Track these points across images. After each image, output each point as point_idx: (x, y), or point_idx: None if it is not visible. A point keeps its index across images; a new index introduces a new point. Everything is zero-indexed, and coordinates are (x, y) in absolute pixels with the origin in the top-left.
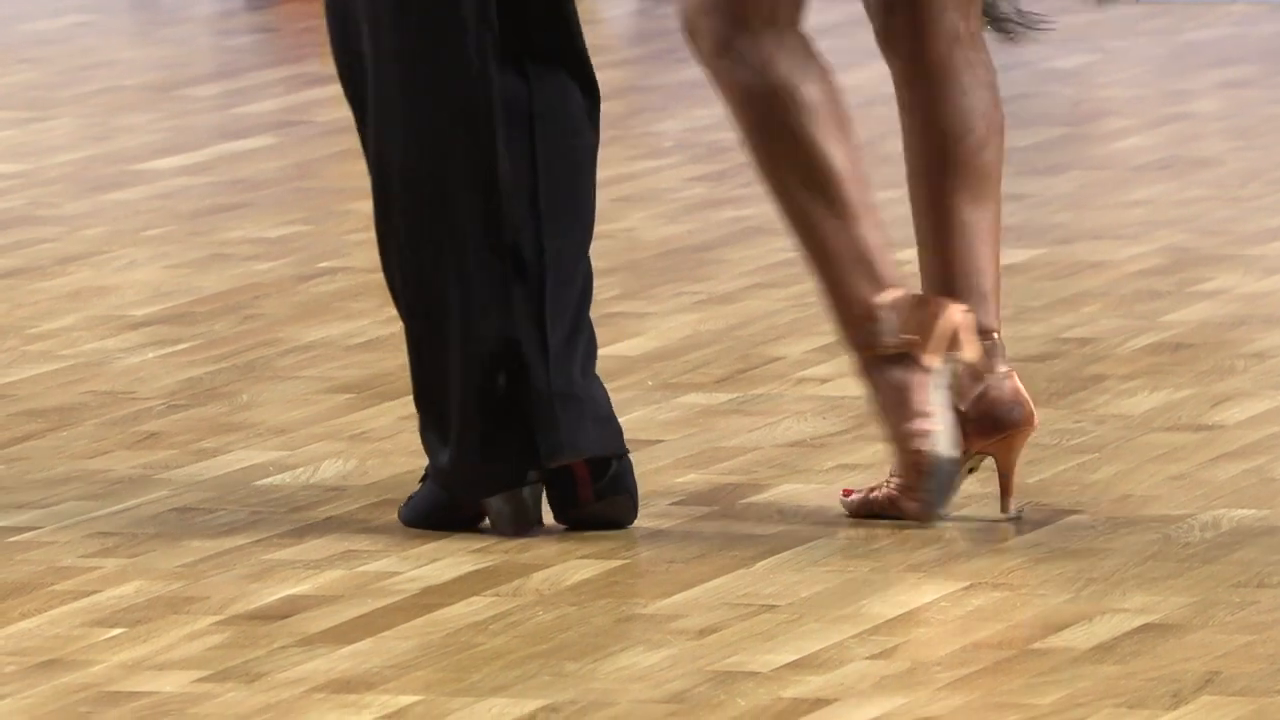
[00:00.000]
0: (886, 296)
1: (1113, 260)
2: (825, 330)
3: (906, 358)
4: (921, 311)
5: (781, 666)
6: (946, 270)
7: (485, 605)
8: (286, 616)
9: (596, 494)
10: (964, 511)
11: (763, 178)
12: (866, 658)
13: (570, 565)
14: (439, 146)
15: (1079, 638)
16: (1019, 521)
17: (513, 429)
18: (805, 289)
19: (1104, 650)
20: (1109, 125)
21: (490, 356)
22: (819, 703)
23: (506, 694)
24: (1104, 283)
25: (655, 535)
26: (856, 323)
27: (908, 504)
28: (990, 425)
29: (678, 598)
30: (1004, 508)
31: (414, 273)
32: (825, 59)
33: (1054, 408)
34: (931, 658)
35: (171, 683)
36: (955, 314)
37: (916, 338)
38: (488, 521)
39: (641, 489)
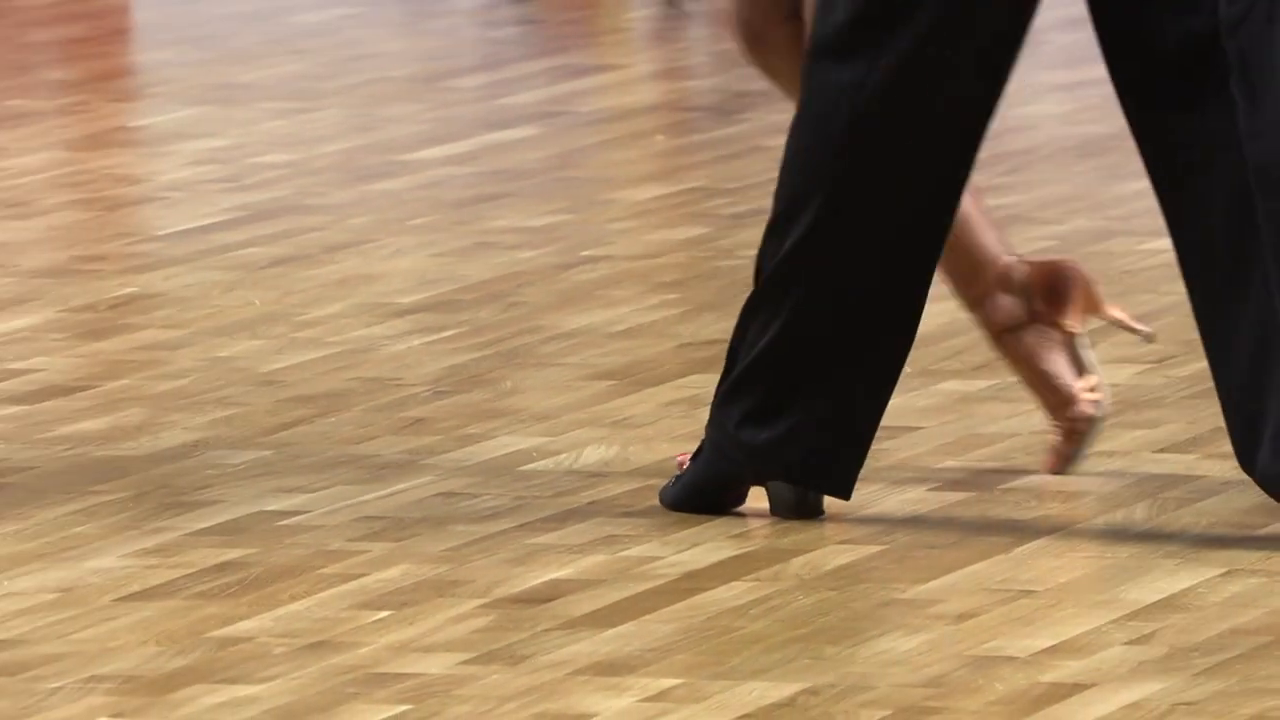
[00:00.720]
0: (1004, 266)
1: None
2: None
3: (1048, 325)
4: (1048, 276)
5: (1039, 651)
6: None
7: (745, 590)
8: (549, 600)
9: None
10: (1221, 497)
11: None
12: (1124, 643)
13: (829, 550)
14: None
15: None
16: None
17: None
18: None
19: None
20: None
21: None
22: (1076, 687)
23: (766, 677)
24: None
25: (914, 521)
26: (980, 299)
27: (1058, 461)
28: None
29: (936, 583)
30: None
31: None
32: None
33: None
34: (1189, 643)
35: (437, 664)
36: (1081, 275)
37: (1050, 309)
38: (760, 505)
39: (899, 475)
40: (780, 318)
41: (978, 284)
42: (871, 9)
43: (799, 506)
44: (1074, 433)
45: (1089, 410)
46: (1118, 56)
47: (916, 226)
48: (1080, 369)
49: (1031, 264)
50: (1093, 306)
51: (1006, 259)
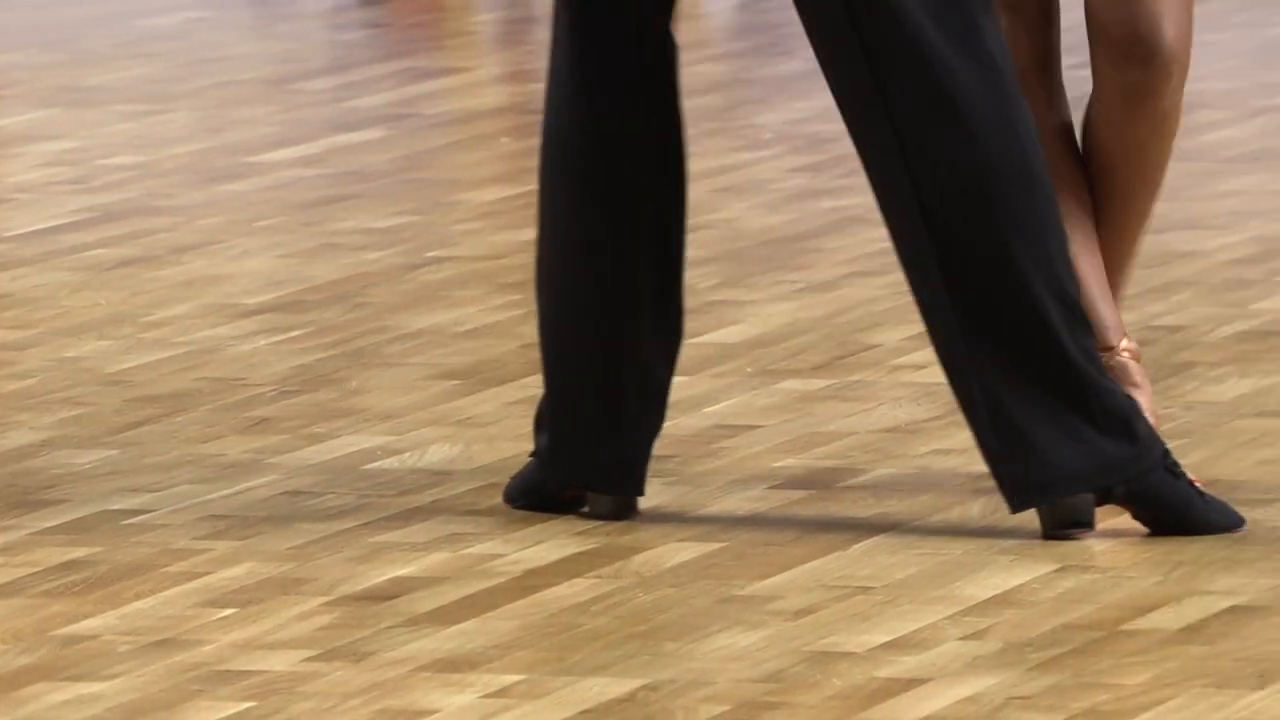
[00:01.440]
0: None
1: (1203, 249)
2: (920, 318)
3: None
4: None
5: (876, 647)
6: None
7: (587, 587)
8: (393, 597)
9: None
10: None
11: None
12: (959, 638)
13: (670, 548)
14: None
15: (1167, 619)
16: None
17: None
18: (901, 277)
19: (1192, 631)
20: (1201, 118)
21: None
22: (913, 682)
23: (607, 673)
24: (1195, 271)
25: (753, 519)
26: None
27: None
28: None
29: (775, 579)
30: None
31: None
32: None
33: None
34: (1023, 639)
35: (281, 662)
36: None
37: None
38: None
39: (739, 473)
40: (542, 322)
41: None
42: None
43: (615, 508)
44: None
45: None
46: None
47: (644, 235)
48: None
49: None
50: None
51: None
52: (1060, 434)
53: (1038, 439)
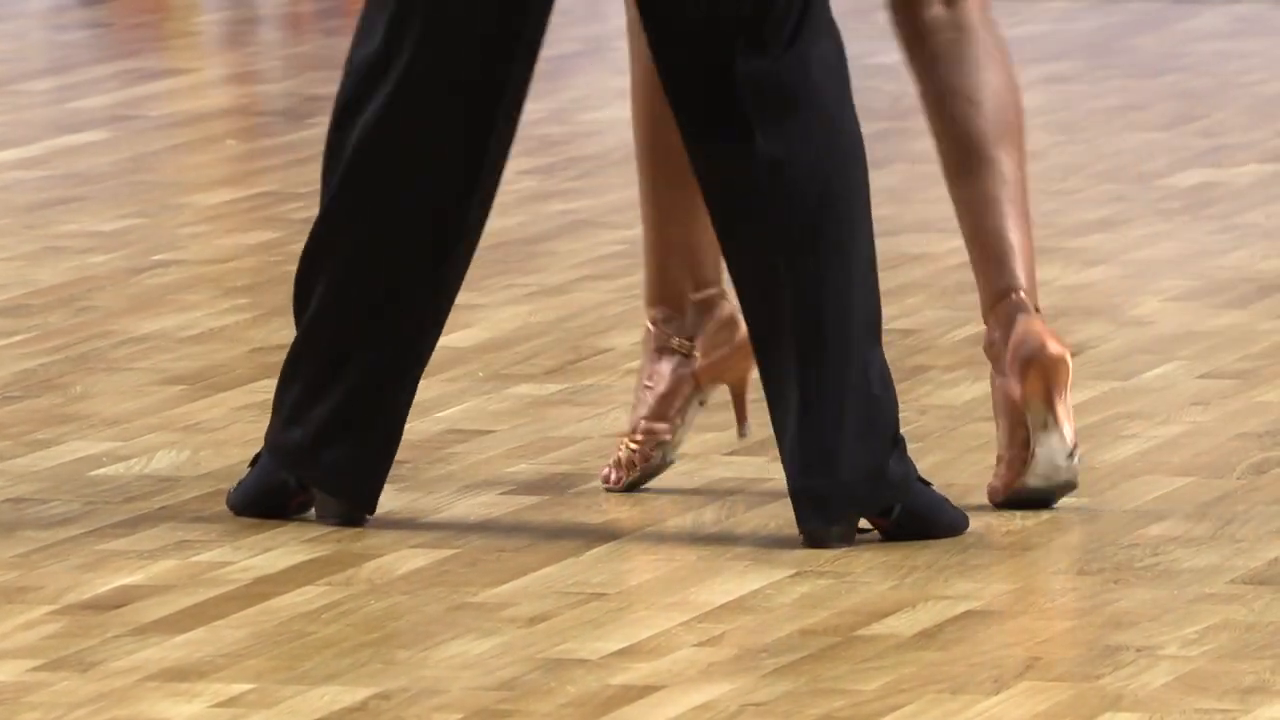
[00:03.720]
0: (700, 295)
1: (935, 253)
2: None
3: (682, 360)
4: (725, 326)
5: (610, 654)
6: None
7: (317, 594)
8: (120, 606)
9: None
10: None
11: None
12: (694, 645)
13: (402, 555)
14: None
15: (902, 624)
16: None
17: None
18: (633, 281)
19: (927, 637)
20: None
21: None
22: (647, 689)
23: (338, 682)
24: (927, 275)
25: (485, 524)
26: (657, 302)
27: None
28: (1022, 371)
29: (508, 586)
30: (1059, 440)
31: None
32: None
33: None
34: (758, 644)
35: (5, 672)
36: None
37: (698, 350)
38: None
39: (471, 479)
40: (306, 310)
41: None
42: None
43: (342, 512)
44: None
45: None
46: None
47: (422, 230)
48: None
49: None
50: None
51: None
52: (861, 452)
53: (841, 457)
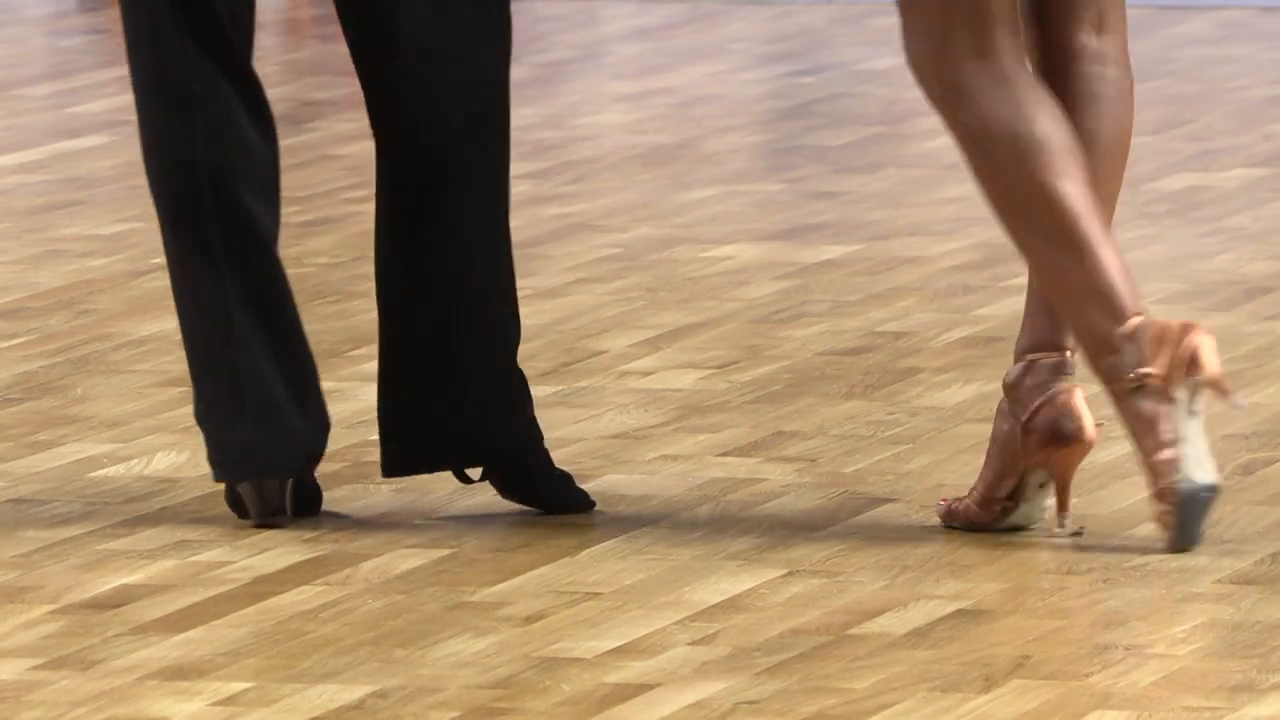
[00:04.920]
0: (1126, 327)
1: (926, 256)
2: (647, 324)
3: (1152, 388)
4: (1161, 338)
5: (605, 652)
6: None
7: (315, 594)
8: (120, 605)
9: None
10: (783, 499)
11: (998, 217)
12: (688, 643)
13: (398, 554)
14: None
15: (894, 623)
16: (1077, 536)
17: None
18: (628, 284)
19: (918, 635)
20: (922, 125)
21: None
22: (642, 688)
23: (336, 680)
24: (918, 278)
25: (482, 524)
26: (1099, 356)
27: (1164, 532)
28: (1045, 437)
29: (504, 585)
30: (1059, 523)
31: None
32: (1045, 90)
33: (869, 399)
34: (751, 643)
35: (6, 670)
36: (1193, 337)
37: (1154, 370)
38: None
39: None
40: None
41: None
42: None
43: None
44: (1166, 498)
45: (1171, 477)
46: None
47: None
48: (1175, 434)
49: (1145, 323)
50: (1195, 368)
51: (1125, 319)
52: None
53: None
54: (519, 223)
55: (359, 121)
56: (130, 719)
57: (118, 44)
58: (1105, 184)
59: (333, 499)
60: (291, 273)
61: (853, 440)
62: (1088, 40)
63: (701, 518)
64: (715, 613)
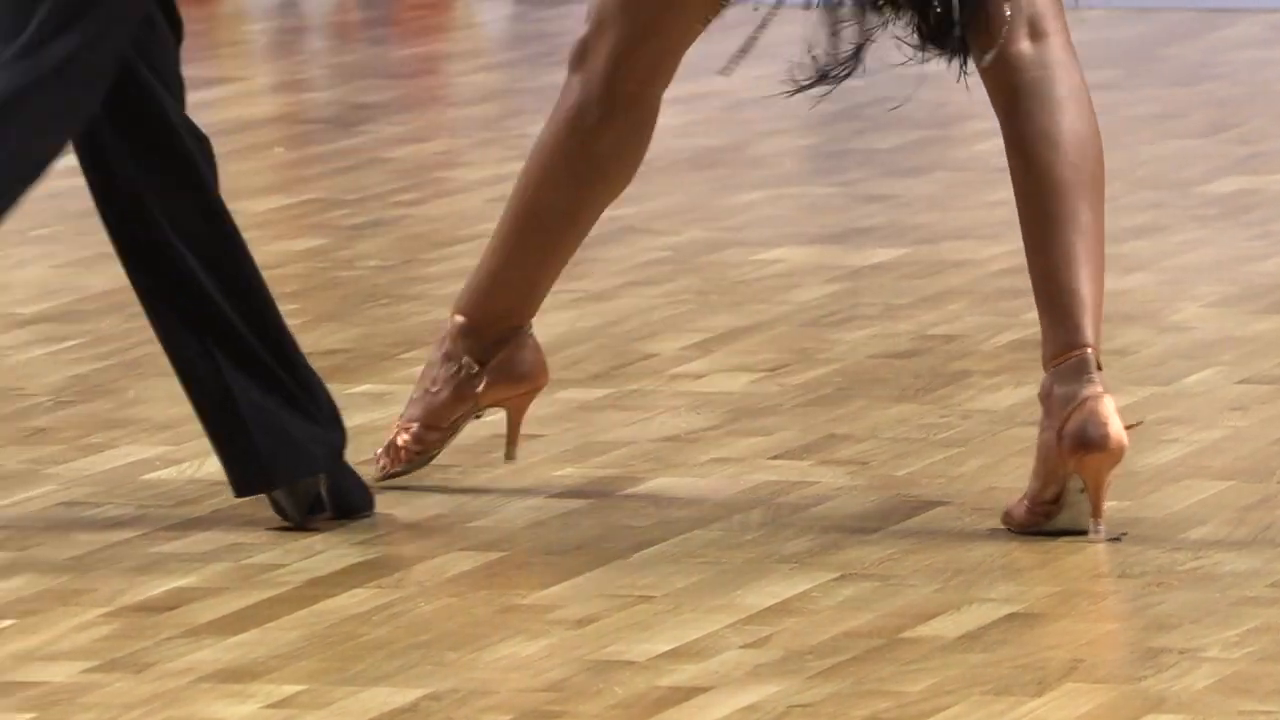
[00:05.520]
0: (506, 323)
1: (976, 259)
2: (697, 327)
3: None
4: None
5: (657, 655)
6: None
7: (368, 596)
8: (173, 608)
9: None
10: (834, 502)
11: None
12: (740, 647)
13: (451, 557)
14: None
15: (947, 627)
16: (1116, 541)
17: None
18: (678, 286)
19: (971, 639)
20: (971, 128)
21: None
22: (694, 691)
23: (389, 683)
24: (968, 281)
25: (534, 528)
26: None
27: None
28: (1074, 444)
29: (556, 589)
30: (1093, 528)
31: None
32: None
33: (920, 403)
34: (803, 646)
35: (61, 673)
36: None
37: (479, 368)
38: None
39: (521, 483)
40: None
41: None
42: None
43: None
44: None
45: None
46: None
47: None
48: None
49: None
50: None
51: None
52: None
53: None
54: None
55: (409, 124)
56: None
57: None
58: (1080, 188)
59: (384, 502)
60: (342, 275)
61: (904, 443)
62: (1024, 49)
63: (753, 521)
64: (768, 616)
